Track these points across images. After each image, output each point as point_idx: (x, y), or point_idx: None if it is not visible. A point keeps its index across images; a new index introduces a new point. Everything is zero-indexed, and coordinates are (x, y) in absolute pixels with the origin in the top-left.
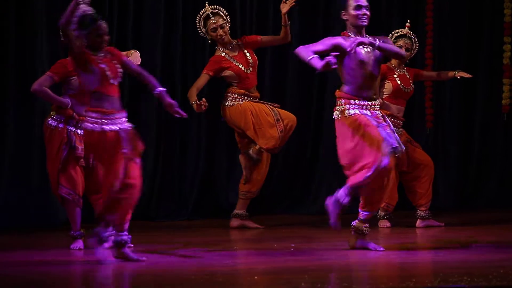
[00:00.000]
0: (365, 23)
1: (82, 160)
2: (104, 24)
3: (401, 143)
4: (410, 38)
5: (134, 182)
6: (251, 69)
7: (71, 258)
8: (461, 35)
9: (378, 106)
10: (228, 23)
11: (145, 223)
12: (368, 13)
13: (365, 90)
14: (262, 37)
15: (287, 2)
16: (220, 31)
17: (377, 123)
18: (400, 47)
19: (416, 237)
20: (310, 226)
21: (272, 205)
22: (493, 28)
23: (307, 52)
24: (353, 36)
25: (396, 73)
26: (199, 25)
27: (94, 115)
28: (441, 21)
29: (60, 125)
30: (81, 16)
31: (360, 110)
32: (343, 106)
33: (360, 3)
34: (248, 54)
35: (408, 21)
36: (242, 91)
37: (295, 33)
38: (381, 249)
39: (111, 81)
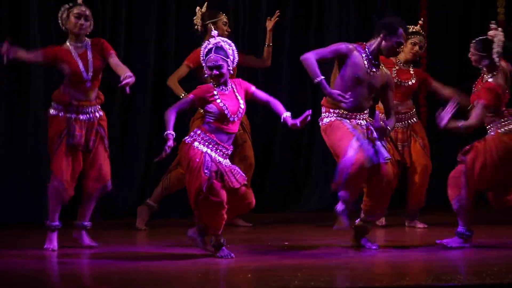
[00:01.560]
0: (396, 55)
1: (81, 146)
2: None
3: (382, 152)
4: (423, 35)
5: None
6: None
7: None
8: (455, 34)
9: (364, 115)
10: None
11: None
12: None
13: (350, 103)
14: (244, 55)
15: (272, 19)
16: (228, 28)
17: (353, 128)
18: (414, 44)
19: (408, 236)
20: (304, 224)
21: (266, 203)
22: (486, 26)
23: (316, 69)
24: (368, 53)
25: (397, 66)
26: (200, 15)
27: None
28: (434, 20)
29: (61, 114)
30: None
31: (337, 118)
32: (324, 114)
33: (402, 41)
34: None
35: (422, 18)
36: None
37: (286, 49)
38: (375, 247)
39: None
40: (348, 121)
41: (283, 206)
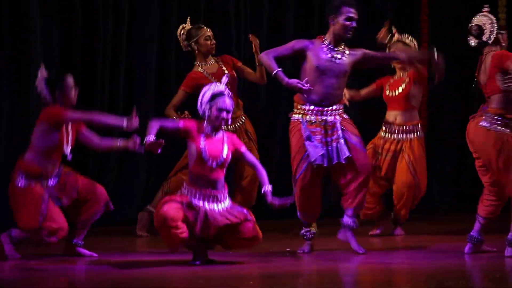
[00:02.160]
0: (350, 37)
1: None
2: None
3: (343, 151)
4: (405, 43)
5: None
6: (229, 87)
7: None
8: (456, 38)
9: (335, 111)
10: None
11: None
12: (355, 26)
13: (316, 95)
14: (241, 64)
15: (253, 44)
16: (213, 41)
17: (310, 133)
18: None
19: (411, 242)
20: None
21: (268, 210)
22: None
23: (272, 64)
24: (327, 43)
25: (391, 80)
26: (185, 34)
27: None
28: (435, 25)
29: (32, 183)
30: None
31: (304, 116)
32: (294, 109)
33: (352, 15)
34: (226, 71)
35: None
36: None
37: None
38: (362, 251)
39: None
40: (314, 120)
41: (284, 213)
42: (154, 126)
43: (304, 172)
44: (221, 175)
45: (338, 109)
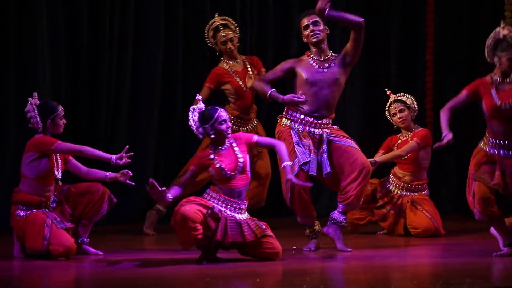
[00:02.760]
0: (317, 39)
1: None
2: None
3: (325, 166)
4: (402, 101)
5: None
6: (249, 87)
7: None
8: (462, 38)
9: (324, 125)
10: (237, 35)
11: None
12: (316, 28)
13: (309, 107)
14: (265, 71)
15: None
16: (230, 44)
17: (298, 139)
18: (400, 111)
19: (417, 241)
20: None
21: (275, 208)
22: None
23: (264, 87)
24: (313, 55)
25: (399, 140)
26: (207, 36)
27: None
28: (441, 24)
29: (34, 210)
30: None
31: (293, 123)
32: (284, 113)
33: (306, 23)
34: (250, 73)
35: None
36: (237, 112)
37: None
38: (349, 250)
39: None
40: (301, 129)
41: (290, 211)
42: (177, 191)
43: (296, 176)
44: (244, 182)
45: (327, 123)
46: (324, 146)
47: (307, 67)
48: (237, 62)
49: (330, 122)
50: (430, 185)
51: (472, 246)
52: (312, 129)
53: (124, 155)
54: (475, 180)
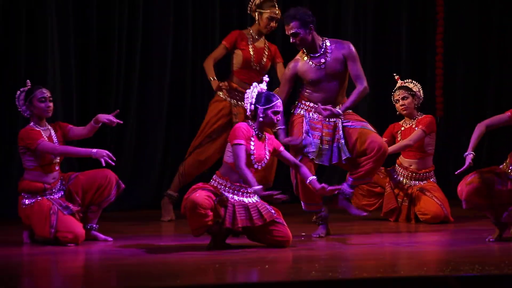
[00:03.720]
0: (301, 47)
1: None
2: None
3: (344, 151)
4: (407, 88)
5: None
6: (257, 67)
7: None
8: (471, 24)
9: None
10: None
11: (155, 212)
12: (296, 39)
13: (319, 101)
14: (280, 63)
15: None
16: (273, 23)
17: (310, 128)
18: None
19: (427, 227)
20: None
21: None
22: (504, 16)
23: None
24: (306, 54)
25: (402, 127)
26: (253, 2)
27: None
28: (451, 11)
29: (39, 198)
30: None
31: (307, 112)
32: (297, 103)
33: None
34: (266, 55)
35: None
36: (235, 85)
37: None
38: (364, 213)
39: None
40: (308, 119)
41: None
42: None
43: (301, 162)
44: (254, 173)
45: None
46: (340, 133)
47: (306, 68)
48: (260, 40)
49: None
50: (439, 172)
51: (481, 233)
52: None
53: (113, 119)
54: (477, 173)
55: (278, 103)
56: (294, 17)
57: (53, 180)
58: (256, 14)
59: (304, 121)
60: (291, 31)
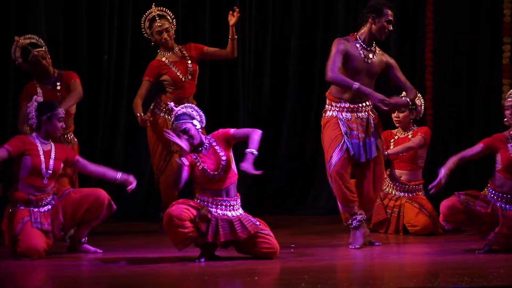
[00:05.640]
0: (383, 39)
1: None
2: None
3: (372, 149)
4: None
5: None
6: (189, 77)
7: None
8: (461, 36)
9: (367, 107)
10: (174, 26)
11: (144, 224)
12: (390, 25)
13: (351, 93)
14: (208, 47)
15: (234, 14)
16: (165, 35)
17: (348, 129)
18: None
19: (417, 239)
20: (310, 227)
21: (273, 206)
22: (492, 28)
23: (344, 79)
24: (361, 42)
25: (396, 136)
26: (144, 26)
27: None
28: (440, 22)
29: (21, 207)
30: None
31: (340, 113)
32: (327, 106)
33: (391, 19)
34: (189, 62)
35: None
36: (170, 100)
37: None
38: (377, 243)
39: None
40: (350, 117)
41: (289, 209)
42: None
43: (340, 161)
44: (231, 179)
45: (369, 105)
46: (372, 129)
47: (354, 54)
48: (174, 53)
49: (371, 104)
50: (428, 184)
51: (470, 245)
52: (359, 114)
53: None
54: (456, 194)
55: (175, 125)
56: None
57: (40, 193)
58: (150, 34)
59: (340, 123)
60: (391, 19)
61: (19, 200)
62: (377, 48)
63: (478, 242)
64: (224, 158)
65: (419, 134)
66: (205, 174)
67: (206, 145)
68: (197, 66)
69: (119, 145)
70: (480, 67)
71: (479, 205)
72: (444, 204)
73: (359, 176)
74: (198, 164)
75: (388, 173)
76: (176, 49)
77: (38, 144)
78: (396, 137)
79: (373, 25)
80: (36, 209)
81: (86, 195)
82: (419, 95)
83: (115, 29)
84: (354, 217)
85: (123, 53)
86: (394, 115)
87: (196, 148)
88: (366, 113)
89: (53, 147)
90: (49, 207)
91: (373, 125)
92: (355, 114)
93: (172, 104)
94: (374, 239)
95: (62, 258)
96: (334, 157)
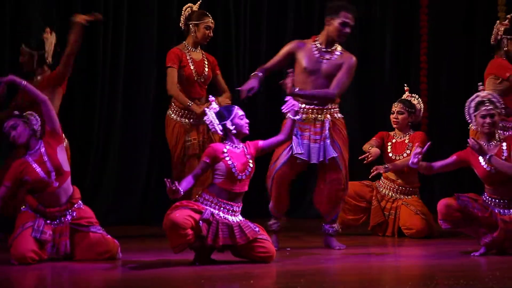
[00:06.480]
0: (342, 41)
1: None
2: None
3: (328, 151)
4: (408, 103)
5: None
6: (202, 80)
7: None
8: (456, 38)
9: (327, 110)
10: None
11: (140, 228)
12: (349, 32)
13: (303, 86)
14: (219, 75)
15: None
16: (211, 32)
17: (297, 130)
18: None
19: (413, 242)
20: (305, 230)
21: (267, 210)
22: (487, 31)
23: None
24: (318, 43)
25: (394, 139)
26: (187, 15)
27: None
28: (435, 25)
29: (28, 211)
30: None
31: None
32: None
33: (348, 21)
34: (206, 67)
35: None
36: (182, 105)
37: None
38: (343, 247)
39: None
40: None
41: (286, 212)
42: (189, 182)
43: (283, 165)
44: (245, 187)
45: (331, 108)
46: (326, 132)
47: (308, 54)
48: (197, 52)
49: (335, 106)
50: (424, 187)
51: (465, 247)
52: (315, 115)
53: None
54: (455, 196)
55: (237, 109)
56: (355, 12)
57: (51, 209)
58: (191, 27)
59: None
60: (352, 23)
61: (29, 204)
62: (338, 49)
63: (474, 244)
64: (251, 165)
65: (416, 145)
66: (232, 170)
67: (239, 147)
68: (211, 75)
69: (114, 148)
70: (475, 69)
71: (477, 208)
72: (442, 203)
73: (319, 179)
74: (227, 158)
75: (385, 175)
76: (199, 49)
77: (30, 160)
78: (393, 141)
79: (328, 27)
80: (41, 215)
81: (95, 243)
82: (419, 99)
83: (110, 28)
84: (276, 221)
85: (119, 50)
86: (392, 116)
87: (233, 144)
88: (323, 115)
89: (42, 147)
90: (58, 221)
91: (327, 129)
92: (311, 116)
93: (212, 98)
94: (373, 242)
95: (58, 262)
96: (279, 162)
